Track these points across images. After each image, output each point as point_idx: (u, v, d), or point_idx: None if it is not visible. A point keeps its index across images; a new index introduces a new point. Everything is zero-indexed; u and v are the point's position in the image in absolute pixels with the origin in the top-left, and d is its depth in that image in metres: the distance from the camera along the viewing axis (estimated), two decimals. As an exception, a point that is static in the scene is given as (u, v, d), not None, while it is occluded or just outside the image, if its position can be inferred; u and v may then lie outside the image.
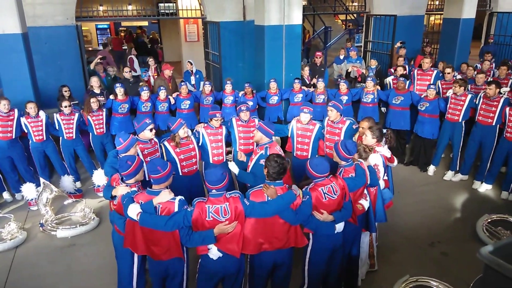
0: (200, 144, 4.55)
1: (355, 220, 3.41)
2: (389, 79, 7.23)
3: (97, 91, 6.65)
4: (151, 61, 8.39)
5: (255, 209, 3.00)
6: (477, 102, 5.66)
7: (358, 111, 6.74)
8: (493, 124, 5.53)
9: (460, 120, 5.85)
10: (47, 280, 4.12)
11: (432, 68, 7.02)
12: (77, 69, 7.48)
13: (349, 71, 8.20)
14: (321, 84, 6.80)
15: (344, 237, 3.42)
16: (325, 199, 3.16)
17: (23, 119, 5.43)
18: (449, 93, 6.00)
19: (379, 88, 6.69)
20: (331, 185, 3.20)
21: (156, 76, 8.17)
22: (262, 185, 3.14)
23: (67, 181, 5.59)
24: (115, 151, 3.76)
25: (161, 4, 9.09)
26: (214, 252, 3.03)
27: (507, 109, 5.34)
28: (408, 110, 6.36)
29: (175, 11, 9.85)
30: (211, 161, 4.63)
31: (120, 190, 3.18)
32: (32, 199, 5.29)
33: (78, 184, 6.01)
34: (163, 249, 3.05)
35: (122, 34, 17.83)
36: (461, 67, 7.65)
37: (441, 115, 6.15)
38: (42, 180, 5.25)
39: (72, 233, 4.83)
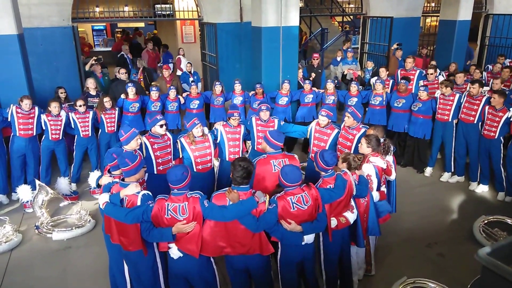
0: (218, 141, 4.61)
1: (329, 234, 3.29)
2: (373, 80, 7.22)
3: (93, 92, 6.64)
4: (139, 63, 8.41)
5: (213, 212, 2.98)
6: (462, 101, 5.75)
7: (366, 113, 6.72)
8: (475, 122, 5.63)
9: (450, 120, 5.92)
10: (42, 283, 4.09)
11: (414, 68, 7.05)
12: (73, 71, 7.45)
13: (345, 73, 8.22)
14: (330, 85, 6.78)
15: (331, 244, 3.39)
16: (293, 209, 3.06)
17: (43, 116, 5.51)
18: (437, 93, 6.05)
19: (388, 91, 6.68)
20: (302, 195, 3.09)
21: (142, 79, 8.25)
22: (227, 188, 3.11)
23: (63, 183, 5.56)
24: (120, 143, 3.93)
25: (158, 5, 9.05)
26: (174, 252, 3.07)
27: (486, 107, 5.45)
28: (409, 112, 6.36)
29: (171, 12, 9.82)
30: (227, 159, 4.66)
31: (104, 180, 3.34)
32: (27, 201, 5.25)
33: (74, 186, 5.99)
34: (129, 240, 3.11)
35: (119, 35, 17.78)
36: (470, 69, 7.68)
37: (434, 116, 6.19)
38: (37, 182, 5.21)
39: (68, 235, 4.80)
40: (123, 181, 3.17)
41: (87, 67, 7.64)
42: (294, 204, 3.07)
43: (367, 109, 6.71)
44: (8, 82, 5.84)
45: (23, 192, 5.12)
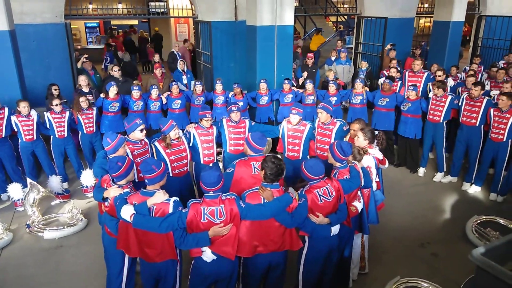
0: (191, 144, 4.50)
1: (349, 222, 3.39)
2: (381, 81, 7.28)
3: (85, 90, 6.57)
4: (124, 56, 8.34)
5: (251, 212, 2.96)
6: (460, 103, 5.76)
7: (348, 112, 6.76)
8: (477, 125, 5.63)
9: (441, 121, 5.95)
10: (33, 282, 4.04)
11: (423, 70, 7.08)
12: (65, 68, 7.38)
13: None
14: (309, 86, 6.81)
15: (341, 234, 3.40)
16: (321, 201, 3.13)
17: (13, 118, 5.36)
18: (430, 94, 6.08)
19: (367, 89, 6.73)
20: (327, 187, 3.17)
21: None
22: (258, 186, 3.09)
23: (55, 181, 5.49)
24: (104, 152, 3.69)
25: (152, 3, 9.01)
26: (208, 255, 2.98)
27: (491, 110, 5.43)
28: (393, 111, 6.43)
29: (165, 10, 9.79)
30: (202, 162, 4.58)
31: (112, 192, 3.13)
32: (18, 200, 5.18)
33: (66, 184, 5.92)
34: (156, 251, 3.00)
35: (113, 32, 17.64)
36: (451, 70, 7.75)
37: (424, 116, 6.22)
38: (29, 180, 5.15)
39: (59, 234, 4.74)
40: (145, 189, 3.03)
41: (78, 65, 7.56)
42: (321, 197, 3.13)
43: (348, 108, 6.75)
44: (0, 80, 5.77)
45: (14, 190, 5.05)
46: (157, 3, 9.09)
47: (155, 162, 3.04)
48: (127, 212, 2.88)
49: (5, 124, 5.32)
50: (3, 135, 5.33)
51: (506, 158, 5.47)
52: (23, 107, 5.33)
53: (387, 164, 4.16)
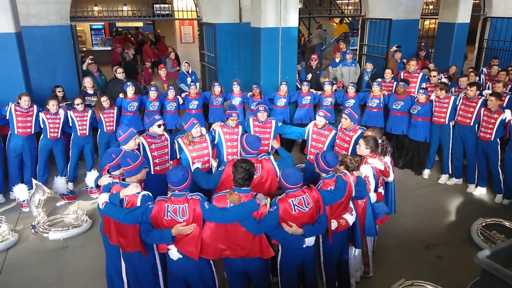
0: (216, 142, 4.59)
1: (329, 236, 3.28)
2: (377, 81, 7.22)
3: (90, 91, 6.62)
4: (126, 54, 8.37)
5: (214, 214, 2.96)
6: (457, 103, 5.79)
7: (363, 115, 6.73)
8: (471, 124, 5.67)
9: (446, 122, 5.95)
10: (38, 282, 4.06)
11: (418, 71, 7.07)
12: (71, 70, 7.42)
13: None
14: (328, 87, 6.78)
15: (331, 246, 3.38)
16: (295, 211, 3.04)
17: (41, 114, 5.52)
18: (433, 96, 6.07)
19: (386, 93, 6.69)
20: (303, 197, 3.08)
21: None
22: (227, 190, 3.09)
23: (60, 182, 5.54)
24: (118, 143, 3.92)
25: (157, 5, 9.04)
26: (173, 253, 3.05)
27: (482, 109, 5.50)
28: (408, 114, 6.36)
29: (170, 12, 9.79)
30: (225, 160, 4.63)
31: (103, 180, 3.32)
32: (24, 201, 5.22)
33: (71, 185, 5.96)
34: (128, 242, 3.09)
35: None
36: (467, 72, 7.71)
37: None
38: (34, 181, 5.19)
39: (65, 235, 4.77)
40: (124, 181, 3.15)
41: (84, 66, 7.61)
42: (296, 206, 3.05)
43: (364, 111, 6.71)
44: (6, 81, 5.82)
45: (20, 191, 5.09)
46: (162, 5, 9.11)
47: (132, 156, 3.16)
48: (101, 200, 3.03)
49: (34, 121, 5.48)
50: (32, 132, 5.50)
51: (499, 157, 5.51)
52: (52, 105, 5.52)
53: (391, 177, 4.06)
